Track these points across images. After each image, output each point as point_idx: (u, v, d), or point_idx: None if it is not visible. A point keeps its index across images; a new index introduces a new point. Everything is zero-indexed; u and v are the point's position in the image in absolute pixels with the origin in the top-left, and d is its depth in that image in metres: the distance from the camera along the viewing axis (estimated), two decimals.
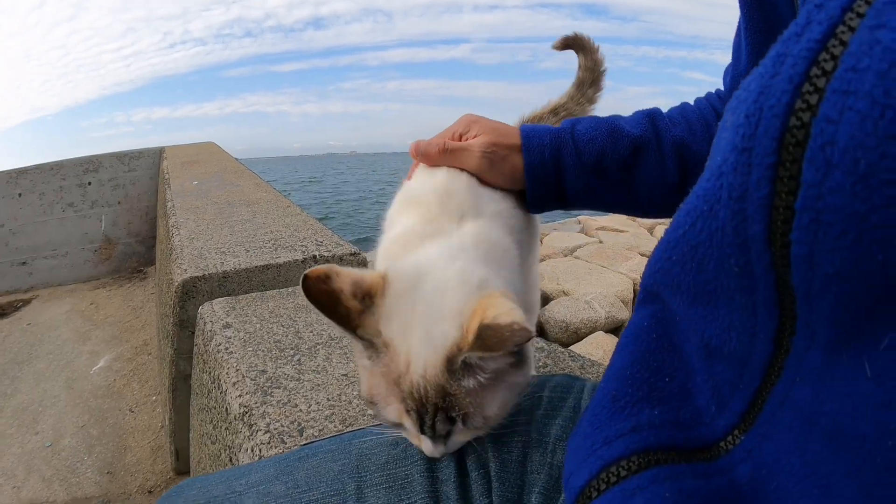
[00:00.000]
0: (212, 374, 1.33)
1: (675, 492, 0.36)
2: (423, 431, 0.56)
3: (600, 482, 0.39)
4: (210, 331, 1.42)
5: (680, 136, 0.75)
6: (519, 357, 0.56)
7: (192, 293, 1.76)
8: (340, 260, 1.94)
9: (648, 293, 0.44)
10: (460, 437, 0.58)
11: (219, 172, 3.87)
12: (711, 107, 0.79)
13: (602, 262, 4.73)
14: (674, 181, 0.74)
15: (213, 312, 1.51)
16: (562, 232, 6.20)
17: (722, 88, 0.81)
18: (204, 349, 1.45)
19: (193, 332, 1.71)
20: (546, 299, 3.80)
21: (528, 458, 0.59)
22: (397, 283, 0.58)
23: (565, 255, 5.10)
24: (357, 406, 1.06)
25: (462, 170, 0.76)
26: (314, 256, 1.91)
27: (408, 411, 0.56)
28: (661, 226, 6.77)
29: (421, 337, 0.54)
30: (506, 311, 0.51)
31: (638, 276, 4.29)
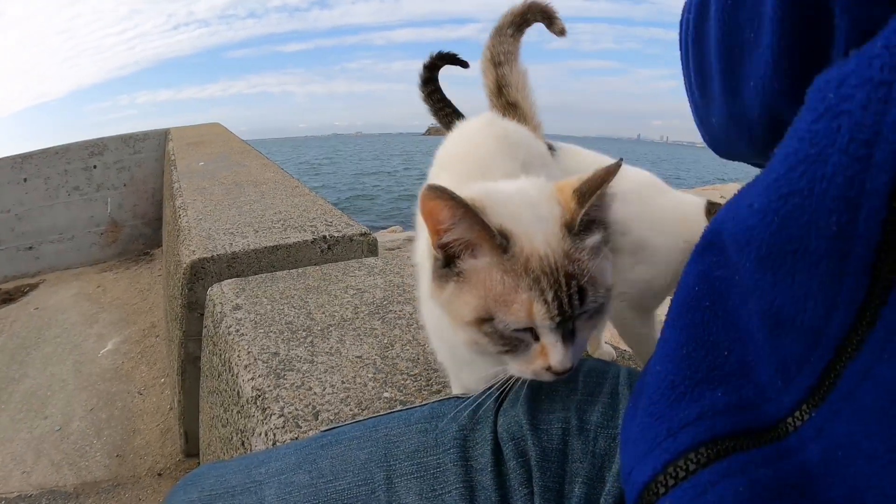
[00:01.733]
0: (222, 357, 1.30)
1: (748, 484, 0.33)
2: (559, 316, 0.53)
3: (667, 477, 0.36)
4: (220, 313, 1.38)
5: None
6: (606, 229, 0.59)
7: (201, 274, 1.73)
8: (350, 240, 1.90)
9: (711, 241, 0.39)
10: (584, 331, 0.58)
11: (225, 153, 3.83)
12: None
13: None
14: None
15: (222, 294, 1.47)
16: None
17: None
18: (214, 331, 1.42)
19: (202, 315, 1.67)
20: None
21: (568, 445, 0.55)
22: (491, 197, 0.58)
23: None
24: (373, 389, 1.02)
25: None
26: (324, 237, 1.87)
27: (543, 295, 0.53)
28: None
29: (532, 219, 0.56)
30: (580, 175, 0.59)
31: None
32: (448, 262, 0.58)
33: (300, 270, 1.62)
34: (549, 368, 0.55)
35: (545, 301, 0.53)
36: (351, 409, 0.96)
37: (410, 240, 4.14)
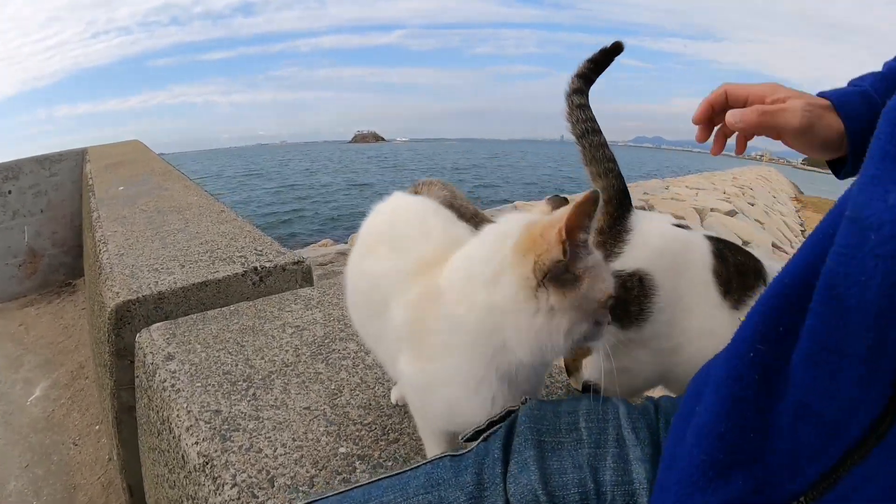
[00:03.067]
0: (160, 415, 1.25)
1: None
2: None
3: None
4: (152, 364, 1.33)
5: None
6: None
7: (127, 318, 1.65)
8: (283, 270, 1.86)
9: (765, 334, 0.45)
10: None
11: (146, 175, 3.67)
12: None
13: None
14: None
15: (152, 342, 1.41)
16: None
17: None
18: (147, 384, 1.37)
19: (132, 362, 1.60)
20: None
21: None
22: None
23: None
24: (327, 444, 1.01)
25: None
26: (255, 268, 1.81)
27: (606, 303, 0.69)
28: None
29: None
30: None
31: None
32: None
33: (232, 308, 1.57)
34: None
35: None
36: (307, 471, 0.95)
37: (342, 253, 4.08)
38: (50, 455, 2.62)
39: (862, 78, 0.77)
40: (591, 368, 1.04)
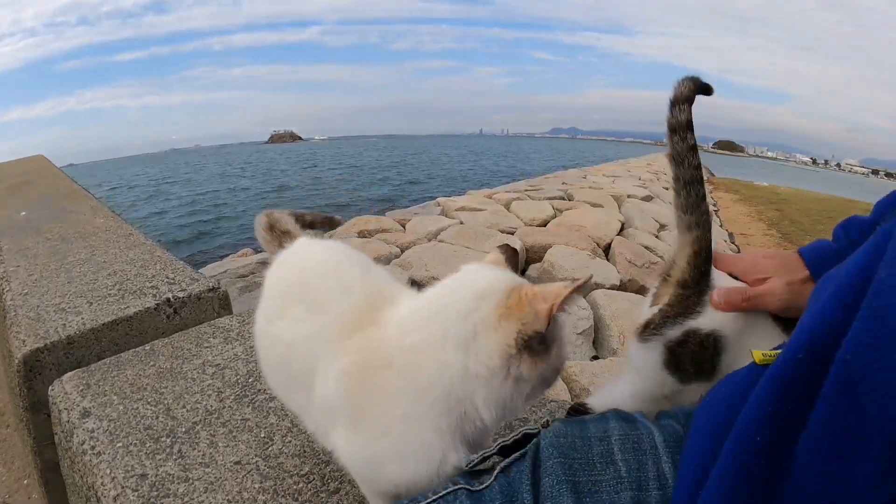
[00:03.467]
0: (85, 480, 1.13)
1: None
2: None
3: None
4: (68, 422, 1.20)
5: None
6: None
7: (38, 369, 1.50)
8: (199, 299, 1.74)
9: (782, 412, 0.44)
10: None
11: (50, 196, 3.41)
12: None
13: (466, 242, 4.76)
14: None
15: (65, 396, 1.28)
16: (423, 216, 6.15)
17: None
18: (67, 445, 1.24)
19: (49, 415, 1.46)
20: (418, 286, 3.77)
21: None
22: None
23: (429, 240, 5.07)
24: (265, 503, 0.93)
25: None
26: (168, 300, 1.69)
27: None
28: (517, 201, 6.94)
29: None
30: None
31: None
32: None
33: (147, 348, 1.46)
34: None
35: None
36: None
37: (263, 263, 3.93)
38: None
39: (848, 225, 0.78)
40: (610, 397, 0.99)
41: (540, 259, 4.50)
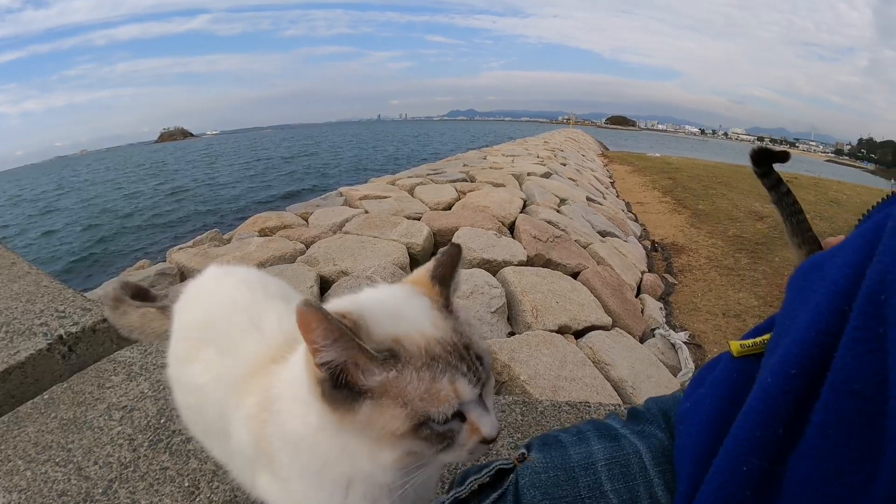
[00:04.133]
0: None
1: None
2: (477, 383, 0.54)
3: None
4: None
5: None
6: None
7: None
8: (94, 332, 1.62)
9: (770, 437, 0.42)
10: (489, 397, 0.57)
11: None
12: None
13: (372, 232, 4.68)
14: None
15: None
16: (326, 208, 6.00)
17: None
18: None
19: None
20: (327, 283, 3.68)
21: None
22: (366, 308, 0.57)
23: (335, 232, 4.94)
24: None
25: None
26: (60, 337, 1.56)
27: (459, 371, 0.53)
28: (421, 186, 6.92)
29: (412, 313, 0.57)
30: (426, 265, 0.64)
31: (410, 240, 4.30)
32: (336, 382, 0.53)
33: (46, 397, 1.34)
34: (483, 440, 0.54)
35: (463, 374, 0.53)
36: None
37: (164, 274, 3.71)
38: None
39: None
40: None
41: (448, 242, 4.53)
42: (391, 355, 0.52)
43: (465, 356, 0.54)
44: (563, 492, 0.55)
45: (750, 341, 0.53)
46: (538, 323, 3.34)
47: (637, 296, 4.87)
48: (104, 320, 1.64)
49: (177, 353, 0.78)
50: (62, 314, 1.68)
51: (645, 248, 6.83)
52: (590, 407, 1.37)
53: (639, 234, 7.67)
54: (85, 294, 1.92)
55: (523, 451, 0.62)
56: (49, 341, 1.55)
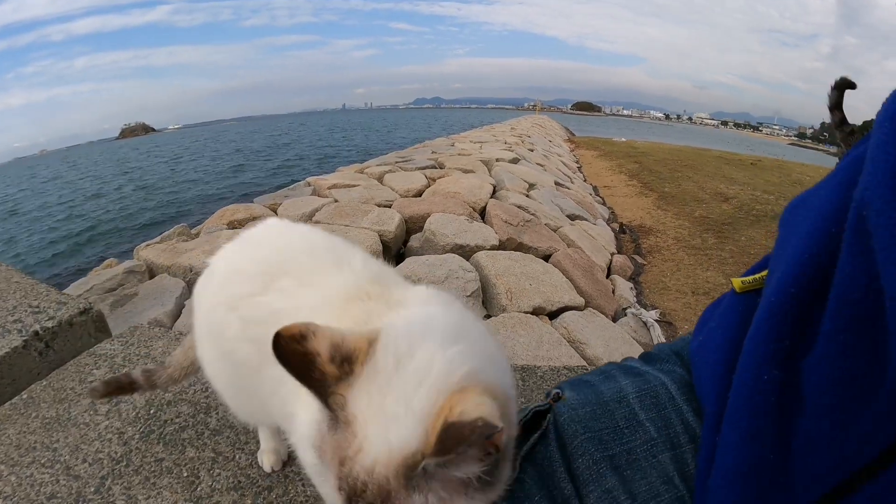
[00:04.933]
0: None
1: None
2: None
3: None
4: None
5: None
6: (491, 472, 0.47)
7: None
8: (70, 325, 1.58)
9: (782, 350, 0.46)
10: None
11: None
12: None
13: (343, 220, 4.65)
14: None
15: None
16: (294, 198, 5.92)
17: None
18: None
19: None
20: None
21: None
22: (383, 355, 0.50)
23: (305, 222, 4.91)
24: None
25: None
26: (36, 333, 1.52)
27: (340, 490, 0.48)
28: (390, 174, 6.89)
29: (382, 429, 0.46)
30: (474, 406, 0.45)
31: (382, 227, 4.28)
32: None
33: (25, 397, 1.31)
34: None
35: (342, 498, 0.48)
36: None
37: (132, 272, 3.65)
38: None
39: None
40: None
41: (420, 229, 4.53)
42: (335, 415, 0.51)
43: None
44: (602, 424, 0.57)
45: (750, 277, 0.56)
46: (513, 305, 3.38)
47: (608, 277, 4.95)
48: (81, 313, 1.60)
49: (233, 292, 0.76)
50: (36, 309, 1.64)
51: (613, 230, 6.92)
52: (587, 370, 1.39)
53: (607, 217, 7.77)
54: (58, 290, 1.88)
55: (557, 391, 0.62)
56: (24, 338, 1.50)
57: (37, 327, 1.55)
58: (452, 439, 0.43)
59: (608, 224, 7.20)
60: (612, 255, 5.66)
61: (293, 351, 0.48)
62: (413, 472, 0.45)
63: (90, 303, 1.69)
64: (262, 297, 0.73)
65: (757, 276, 0.55)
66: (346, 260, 0.72)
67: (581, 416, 0.58)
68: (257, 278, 0.75)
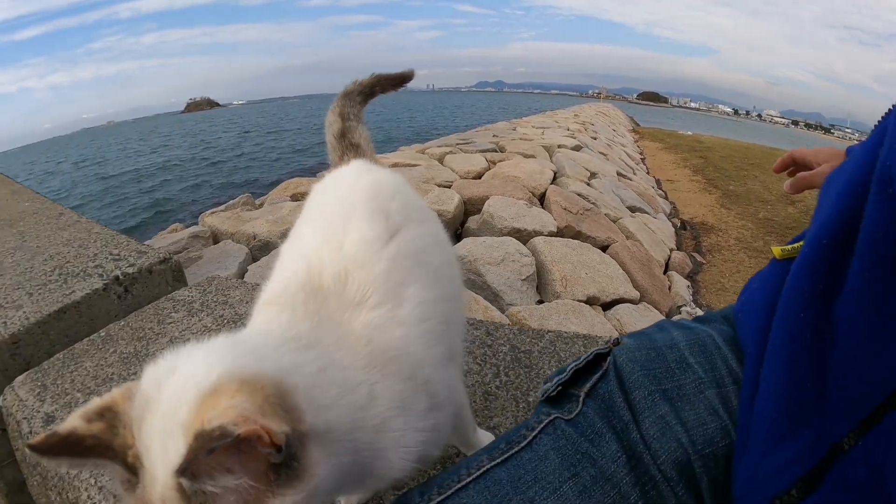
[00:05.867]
0: (64, 496, 1.02)
1: None
2: None
3: None
4: (30, 433, 1.10)
5: None
6: (288, 465, 0.44)
7: None
8: (150, 273, 1.66)
9: (816, 292, 0.49)
10: None
11: None
12: None
13: None
14: None
15: (21, 403, 1.17)
16: None
17: None
18: (34, 460, 1.13)
19: (5, 429, 1.33)
20: None
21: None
22: (146, 385, 0.47)
23: None
24: None
25: None
26: (116, 278, 1.59)
27: None
28: (450, 155, 6.90)
29: (159, 454, 0.43)
30: (221, 410, 0.41)
31: (441, 207, 4.30)
32: None
33: (103, 334, 1.38)
34: None
35: None
36: None
37: (197, 236, 3.78)
38: None
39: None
40: None
41: (479, 211, 4.54)
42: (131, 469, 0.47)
43: None
44: (656, 364, 0.61)
45: (790, 246, 0.61)
46: (567, 293, 3.37)
47: (665, 272, 4.87)
48: (161, 261, 1.68)
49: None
50: (117, 257, 1.73)
51: (674, 225, 6.78)
52: None
53: (668, 211, 7.61)
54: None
55: (616, 337, 0.68)
56: (105, 282, 1.58)
57: (117, 273, 1.62)
58: (193, 464, 0.39)
59: (669, 219, 7.05)
60: (671, 250, 5.55)
61: (57, 449, 0.44)
62: (187, 490, 0.41)
63: (170, 255, 1.77)
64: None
65: (797, 244, 0.59)
66: (354, 223, 0.71)
67: (637, 357, 0.63)
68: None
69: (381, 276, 0.65)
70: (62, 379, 1.24)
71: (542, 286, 3.54)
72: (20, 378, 1.27)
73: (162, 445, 0.42)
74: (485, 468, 0.57)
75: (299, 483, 0.44)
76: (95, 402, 0.46)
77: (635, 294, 3.69)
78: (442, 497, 0.56)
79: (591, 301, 3.39)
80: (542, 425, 0.61)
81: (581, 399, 0.62)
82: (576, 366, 0.66)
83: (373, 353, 0.58)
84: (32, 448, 0.43)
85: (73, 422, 0.45)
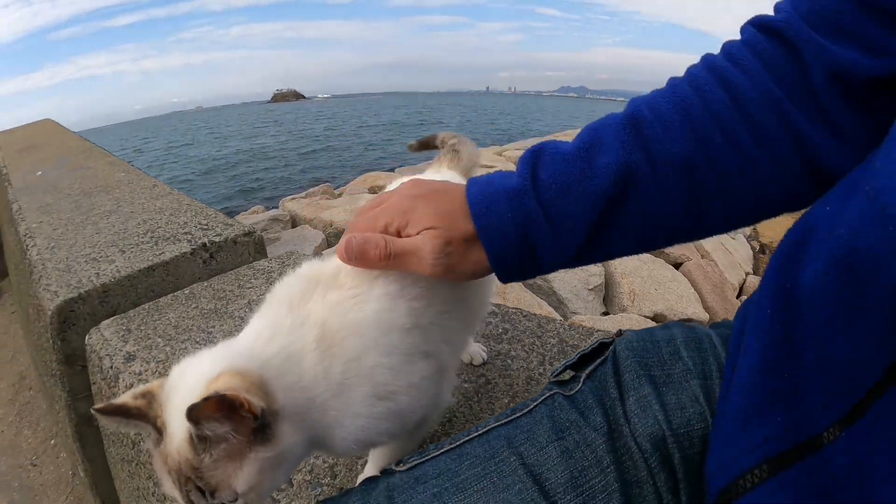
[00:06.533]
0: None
1: (797, 491, 0.46)
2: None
3: (738, 486, 0.49)
4: (111, 368, 1.21)
5: (681, 154, 0.60)
6: (263, 431, 0.57)
7: (72, 319, 1.47)
8: (234, 243, 1.77)
9: (782, 285, 0.49)
10: None
11: (64, 155, 3.35)
12: (725, 83, 0.61)
13: None
14: (681, 203, 0.63)
15: (105, 342, 1.28)
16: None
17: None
18: (109, 392, 1.23)
19: (85, 367, 1.45)
20: None
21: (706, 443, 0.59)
22: (173, 375, 0.62)
23: None
24: None
25: None
26: (204, 245, 1.68)
27: (169, 473, 0.58)
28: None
29: (177, 422, 0.57)
30: (221, 384, 0.55)
31: None
32: None
33: (187, 292, 1.48)
34: None
35: (179, 490, 0.58)
36: (324, 460, 0.91)
37: (276, 220, 3.95)
38: (10, 482, 2.40)
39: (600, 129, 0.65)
40: None
41: None
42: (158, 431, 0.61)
43: (181, 484, 0.59)
44: (650, 354, 0.65)
45: None
46: (634, 307, 3.33)
47: (738, 297, 4.70)
48: (246, 234, 1.77)
49: None
50: (205, 227, 1.83)
51: (753, 248, 6.53)
52: None
53: (748, 233, 7.33)
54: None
55: (621, 329, 0.72)
56: (193, 247, 1.68)
57: (205, 240, 1.72)
58: (199, 408, 0.51)
59: (748, 241, 6.80)
60: (747, 274, 5.36)
61: (112, 414, 0.59)
62: (193, 440, 0.55)
63: (254, 229, 1.87)
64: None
65: None
66: None
67: (633, 346, 0.66)
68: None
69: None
70: (145, 325, 1.34)
71: (609, 298, 3.51)
72: (107, 322, 1.38)
73: (180, 417, 0.54)
74: (489, 427, 0.65)
75: (271, 446, 0.57)
76: (140, 388, 0.61)
77: (704, 316, 3.59)
78: (450, 447, 0.64)
79: (657, 318, 3.32)
80: (543, 398, 0.67)
81: (582, 380, 0.67)
82: (582, 353, 0.71)
83: (324, 334, 0.63)
84: (97, 411, 0.59)
85: (124, 398, 0.60)
